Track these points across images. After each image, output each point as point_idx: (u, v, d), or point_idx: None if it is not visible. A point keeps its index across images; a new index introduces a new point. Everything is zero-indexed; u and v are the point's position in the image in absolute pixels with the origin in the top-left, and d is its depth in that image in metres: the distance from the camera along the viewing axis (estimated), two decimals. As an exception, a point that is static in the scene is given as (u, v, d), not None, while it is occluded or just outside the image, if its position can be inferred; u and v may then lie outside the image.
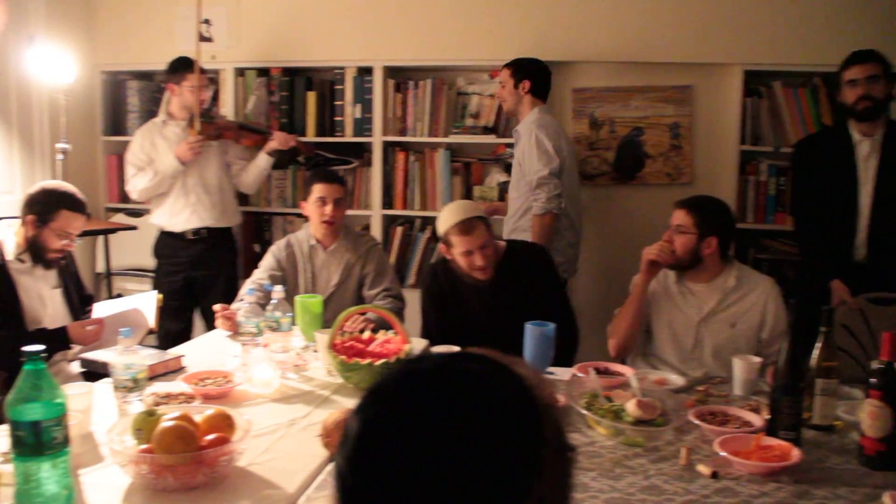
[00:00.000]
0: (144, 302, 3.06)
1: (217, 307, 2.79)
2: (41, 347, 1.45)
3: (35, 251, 2.76)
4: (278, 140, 4.04)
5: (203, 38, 4.36)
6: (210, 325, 3.84)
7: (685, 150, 4.14)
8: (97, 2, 4.60)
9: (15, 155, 4.10)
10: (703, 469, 1.77)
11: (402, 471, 0.70)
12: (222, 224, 4.08)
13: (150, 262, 4.40)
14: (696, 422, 2.02)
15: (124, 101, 4.65)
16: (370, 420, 0.75)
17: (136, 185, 3.94)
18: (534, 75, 3.74)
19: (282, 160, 4.24)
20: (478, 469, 0.70)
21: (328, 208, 3.17)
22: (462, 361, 0.78)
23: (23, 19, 4.06)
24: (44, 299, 2.83)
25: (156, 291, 3.28)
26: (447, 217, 2.81)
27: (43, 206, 2.73)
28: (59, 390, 1.47)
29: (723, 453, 1.80)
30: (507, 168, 4.12)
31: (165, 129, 4.00)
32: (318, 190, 3.19)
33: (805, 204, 3.31)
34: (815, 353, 2.04)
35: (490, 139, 4.21)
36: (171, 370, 2.47)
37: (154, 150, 3.95)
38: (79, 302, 2.99)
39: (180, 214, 3.98)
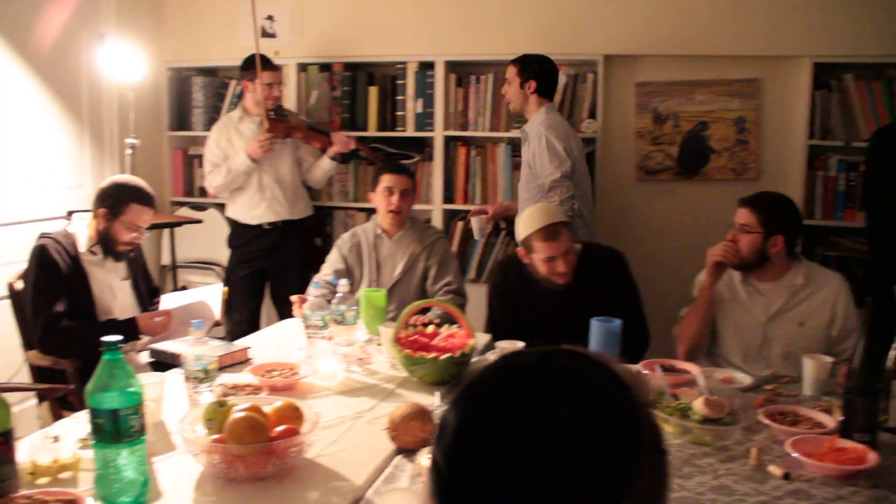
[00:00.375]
0: (210, 294, 3.11)
1: (294, 298, 2.84)
2: (119, 337, 1.49)
3: (106, 243, 2.83)
4: (338, 144, 4.08)
5: (266, 34, 4.42)
6: (281, 310, 3.93)
7: (751, 145, 4.06)
8: (165, 0, 4.70)
9: (86, 150, 4.21)
10: (775, 470, 1.73)
11: (500, 465, 0.70)
12: (296, 216, 4.17)
13: (214, 254, 4.49)
14: (767, 421, 1.97)
15: (189, 97, 4.74)
16: (469, 414, 0.74)
17: (212, 181, 4.04)
18: (540, 75, 3.59)
19: (344, 156, 4.28)
20: (576, 465, 0.69)
21: (395, 198, 3.21)
22: (560, 357, 0.77)
23: (94, 18, 4.16)
24: (114, 290, 2.90)
25: (221, 284, 3.33)
26: (529, 221, 2.73)
27: (114, 200, 2.80)
28: (135, 380, 1.50)
29: (795, 454, 1.76)
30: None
31: (241, 125, 4.08)
32: (385, 180, 3.23)
33: (880, 196, 3.20)
34: (892, 353, 1.98)
35: (551, 134, 4.18)
36: (238, 362, 2.50)
37: (230, 146, 4.04)
38: (147, 293, 3.06)
39: (256, 209, 4.07)
